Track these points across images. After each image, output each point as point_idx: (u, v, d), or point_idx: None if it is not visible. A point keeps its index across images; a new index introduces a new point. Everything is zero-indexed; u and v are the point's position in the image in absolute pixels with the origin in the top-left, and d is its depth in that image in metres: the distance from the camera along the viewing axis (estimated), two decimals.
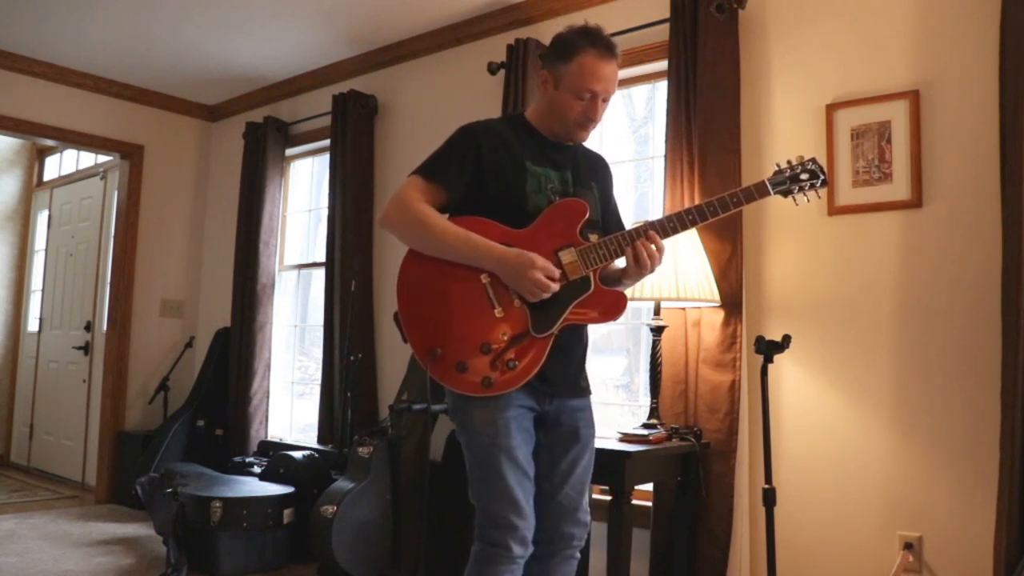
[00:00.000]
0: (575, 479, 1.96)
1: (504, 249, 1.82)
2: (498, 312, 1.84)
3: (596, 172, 2.09)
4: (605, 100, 1.93)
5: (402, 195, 1.89)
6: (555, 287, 1.82)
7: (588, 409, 2.02)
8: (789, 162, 1.99)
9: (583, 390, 2.01)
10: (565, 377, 1.95)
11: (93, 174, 5.76)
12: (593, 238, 1.91)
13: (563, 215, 1.89)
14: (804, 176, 1.95)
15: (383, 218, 1.92)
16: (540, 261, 1.80)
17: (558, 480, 1.94)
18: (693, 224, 1.92)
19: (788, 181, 1.96)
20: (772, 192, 1.94)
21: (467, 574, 1.88)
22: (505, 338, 1.83)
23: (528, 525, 1.84)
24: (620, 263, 1.96)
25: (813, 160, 1.98)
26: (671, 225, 1.91)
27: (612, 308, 1.89)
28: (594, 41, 1.88)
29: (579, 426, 1.97)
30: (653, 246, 1.87)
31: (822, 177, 1.96)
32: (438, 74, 4.06)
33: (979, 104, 2.46)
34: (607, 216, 2.09)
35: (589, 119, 1.93)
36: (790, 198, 1.98)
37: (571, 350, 1.96)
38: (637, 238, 1.87)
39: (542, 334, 1.84)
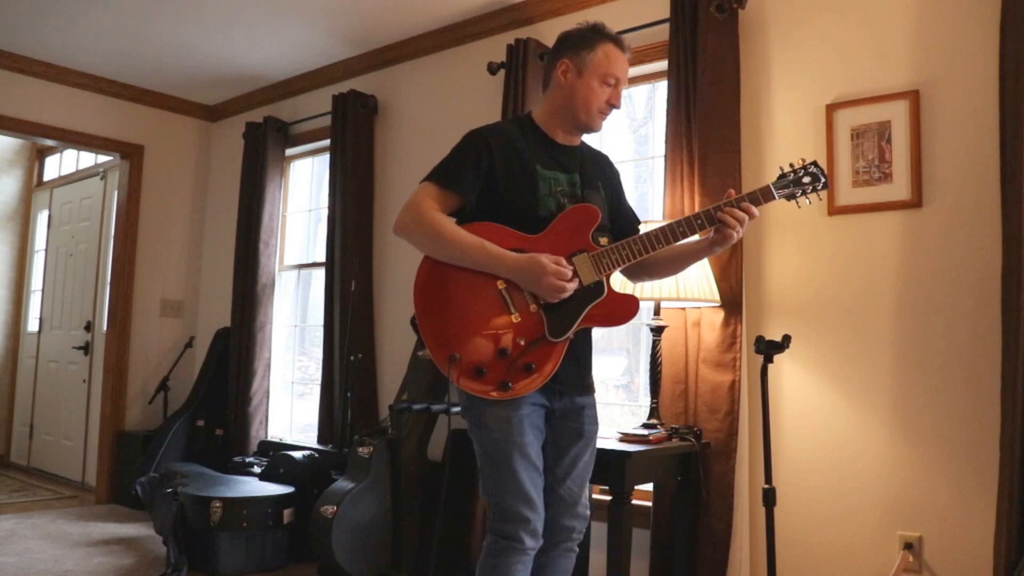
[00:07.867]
0: (576, 474, 2.01)
1: (516, 256, 1.86)
2: (515, 318, 1.88)
3: (603, 172, 2.13)
4: (622, 88, 2.02)
5: (416, 203, 1.92)
6: (572, 286, 1.86)
7: (593, 406, 2.07)
8: (792, 165, 2.01)
9: (588, 387, 2.06)
10: (574, 376, 1.99)
11: (93, 174, 5.76)
12: (603, 241, 1.95)
13: (576, 221, 1.93)
14: (807, 179, 1.98)
15: (397, 226, 1.95)
16: (551, 266, 1.83)
17: (561, 474, 1.99)
18: (690, 233, 1.95)
19: (791, 185, 1.98)
20: (777, 197, 1.97)
21: (480, 566, 1.92)
22: (522, 343, 1.87)
23: (539, 518, 1.89)
24: (696, 236, 1.98)
25: (815, 163, 2.00)
26: (673, 233, 1.93)
27: (624, 312, 1.95)
28: (610, 36, 2.02)
29: (584, 422, 2.02)
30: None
31: (823, 180, 1.98)
32: (438, 74, 4.06)
33: (979, 104, 2.46)
34: (617, 215, 2.12)
35: (612, 105, 2.02)
36: (793, 201, 2.00)
37: (581, 351, 2.01)
38: (646, 244, 1.91)
39: (558, 339, 1.89)
